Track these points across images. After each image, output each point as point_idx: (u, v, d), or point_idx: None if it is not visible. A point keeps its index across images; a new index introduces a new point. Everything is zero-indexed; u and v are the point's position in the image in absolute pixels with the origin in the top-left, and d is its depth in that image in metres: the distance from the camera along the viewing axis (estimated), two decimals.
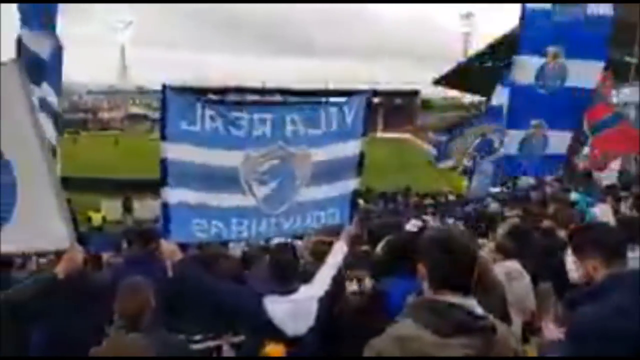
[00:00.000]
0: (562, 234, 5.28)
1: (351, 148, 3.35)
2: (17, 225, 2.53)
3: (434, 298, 1.59)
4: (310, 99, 61.37)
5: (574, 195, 9.87)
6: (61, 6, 5.49)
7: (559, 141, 5.83)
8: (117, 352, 2.12)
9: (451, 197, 18.32)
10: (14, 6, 4.91)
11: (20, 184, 2.50)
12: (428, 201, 17.50)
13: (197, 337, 3.69)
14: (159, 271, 3.28)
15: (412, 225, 8.48)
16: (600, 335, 1.84)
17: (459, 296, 1.56)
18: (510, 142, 5.91)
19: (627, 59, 24.89)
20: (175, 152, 2.86)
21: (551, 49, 5.64)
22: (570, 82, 5.74)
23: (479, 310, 1.57)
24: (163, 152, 2.83)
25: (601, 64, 5.93)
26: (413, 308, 1.61)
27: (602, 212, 6.49)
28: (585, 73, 5.67)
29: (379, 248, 4.53)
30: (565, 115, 5.80)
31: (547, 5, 5.59)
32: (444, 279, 1.59)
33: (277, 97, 66.70)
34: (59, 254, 2.86)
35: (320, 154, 3.26)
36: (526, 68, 5.74)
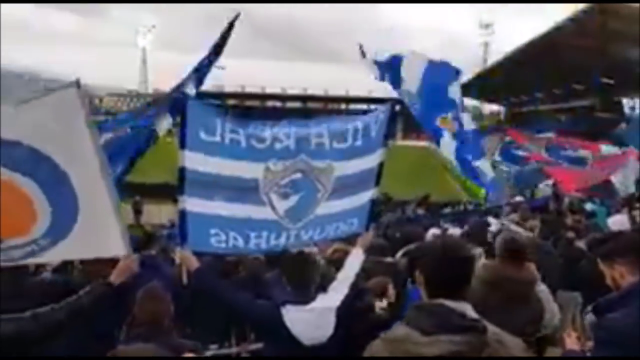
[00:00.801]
0: (580, 244, 5.30)
1: (373, 160, 3.35)
2: (78, 235, 2.61)
3: (430, 302, 1.66)
4: (332, 107, 61.44)
5: (590, 206, 9.77)
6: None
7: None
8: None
9: (470, 207, 18.15)
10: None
11: (81, 194, 2.58)
12: (447, 210, 17.39)
13: (214, 346, 3.72)
14: (170, 277, 3.29)
15: (431, 235, 8.51)
16: (630, 341, 1.87)
17: (452, 301, 1.62)
18: None
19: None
20: (194, 161, 2.84)
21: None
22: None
23: (472, 314, 1.62)
24: (181, 161, 2.82)
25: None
26: (410, 312, 1.67)
27: (618, 222, 6.45)
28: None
29: (398, 257, 4.58)
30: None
31: None
32: (439, 285, 1.65)
33: (297, 104, 67.05)
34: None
35: (343, 168, 3.24)
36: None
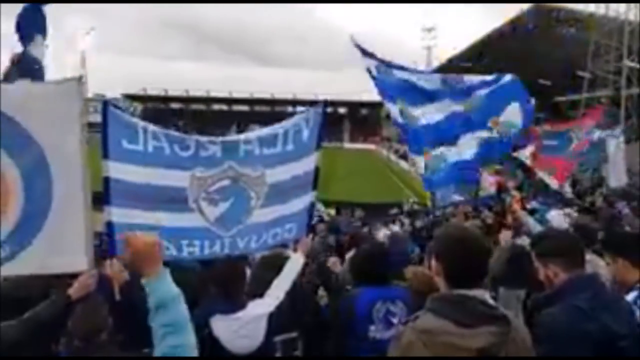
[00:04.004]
0: (526, 241, 5.42)
1: (307, 164, 3.33)
2: (43, 243, 2.44)
3: (451, 292, 1.63)
4: (279, 110, 61.46)
5: (533, 204, 10.18)
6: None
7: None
8: None
9: (416, 207, 18.57)
10: None
11: (55, 206, 2.44)
12: (394, 211, 17.70)
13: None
14: (106, 292, 3.18)
15: (383, 235, 8.50)
16: (567, 335, 1.91)
17: (475, 289, 1.61)
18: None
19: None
20: (118, 170, 2.76)
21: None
22: None
23: (491, 301, 1.63)
24: (105, 171, 2.73)
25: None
26: (432, 303, 1.64)
27: (555, 219, 6.72)
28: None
29: (347, 258, 4.58)
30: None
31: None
32: (460, 274, 1.63)
33: (244, 107, 66.58)
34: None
35: (276, 175, 3.23)
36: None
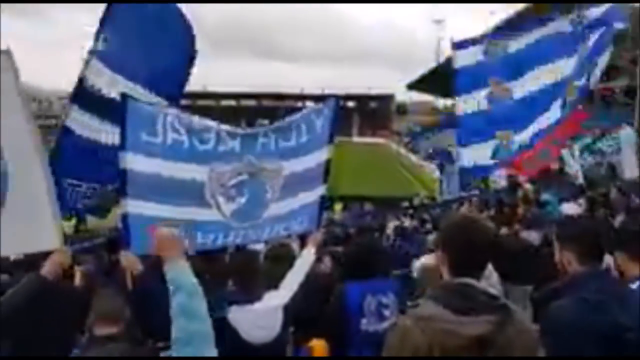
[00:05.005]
0: (532, 235, 5.40)
1: (319, 156, 3.36)
2: (6, 224, 2.38)
3: (452, 281, 1.63)
4: (287, 105, 61.35)
5: (545, 196, 10.11)
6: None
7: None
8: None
9: (426, 201, 18.53)
10: None
11: (13, 183, 2.37)
12: (405, 204, 17.69)
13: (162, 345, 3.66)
14: (120, 283, 3.23)
15: (392, 227, 8.47)
16: (574, 328, 1.90)
17: (476, 279, 1.61)
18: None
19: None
20: (135, 163, 2.78)
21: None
22: None
23: (494, 291, 1.62)
24: (122, 163, 2.75)
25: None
26: (434, 291, 1.64)
27: (569, 211, 6.66)
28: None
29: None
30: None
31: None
32: (462, 263, 1.63)
33: (252, 102, 66.60)
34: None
35: (291, 167, 3.25)
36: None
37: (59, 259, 2.59)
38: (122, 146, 2.75)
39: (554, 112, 5.10)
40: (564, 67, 5.14)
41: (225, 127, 3.06)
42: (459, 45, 5.38)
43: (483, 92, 5.24)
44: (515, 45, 5.29)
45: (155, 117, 2.85)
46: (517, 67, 5.24)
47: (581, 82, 5.16)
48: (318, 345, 2.83)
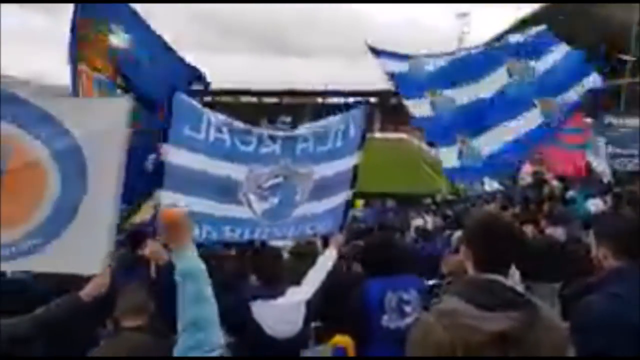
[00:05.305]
0: (558, 232, 5.30)
1: (350, 161, 3.42)
2: (61, 245, 2.52)
3: (477, 276, 1.63)
4: (309, 101, 61.48)
5: (571, 193, 9.92)
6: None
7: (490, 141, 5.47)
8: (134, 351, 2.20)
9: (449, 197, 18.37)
10: None
11: (85, 206, 2.53)
12: (427, 201, 17.59)
13: None
14: (143, 275, 3.27)
15: (415, 226, 8.42)
16: (604, 324, 1.87)
17: (502, 275, 1.60)
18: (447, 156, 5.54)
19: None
20: (175, 155, 2.85)
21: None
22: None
23: (520, 288, 1.61)
24: (163, 155, 2.83)
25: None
26: (457, 286, 1.64)
27: (595, 207, 6.53)
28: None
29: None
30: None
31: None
32: (488, 259, 1.63)
33: (273, 99, 66.85)
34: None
35: (322, 171, 3.31)
36: None
37: (102, 282, 2.63)
38: (164, 139, 2.82)
39: (529, 122, 4.98)
40: (500, 77, 5.04)
41: (267, 130, 3.16)
42: (378, 53, 5.04)
43: (425, 100, 5.10)
44: (440, 61, 5.12)
45: (201, 114, 2.92)
46: (451, 77, 5.06)
47: (563, 100, 5.01)
48: (345, 342, 2.83)
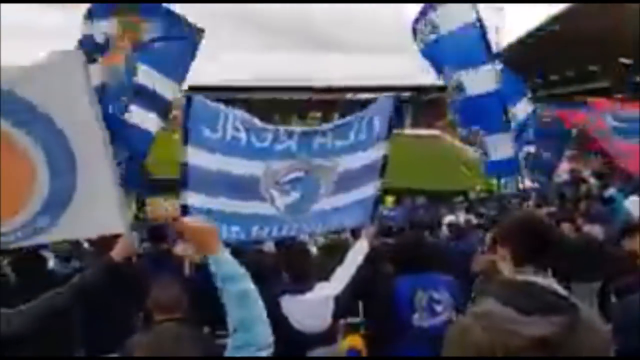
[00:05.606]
0: (596, 230, 5.14)
1: (376, 152, 3.38)
2: (74, 212, 2.54)
3: (515, 278, 1.60)
4: (338, 97, 61.38)
5: (610, 192, 9.58)
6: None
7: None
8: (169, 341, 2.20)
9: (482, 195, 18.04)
10: None
11: (80, 170, 2.52)
12: (459, 199, 17.35)
13: (222, 332, 3.76)
14: (175, 271, 3.34)
15: (447, 223, 8.33)
16: None
17: (542, 277, 1.57)
18: None
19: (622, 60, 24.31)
20: (197, 157, 2.91)
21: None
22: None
23: (562, 291, 1.57)
24: (184, 156, 2.89)
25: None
26: (494, 288, 1.61)
27: (633, 205, 6.31)
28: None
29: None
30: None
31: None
32: (525, 259, 1.59)
33: (305, 95, 67.03)
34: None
35: (346, 163, 3.29)
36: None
37: (128, 241, 2.70)
38: (184, 141, 2.88)
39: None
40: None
41: (283, 126, 3.18)
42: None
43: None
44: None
45: (217, 113, 2.96)
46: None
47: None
48: (358, 343, 2.83)
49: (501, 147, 5.26)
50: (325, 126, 3.33)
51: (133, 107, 4.30)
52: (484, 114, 5.20)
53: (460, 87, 5.18)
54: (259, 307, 1.66)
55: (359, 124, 3.31)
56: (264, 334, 1.62)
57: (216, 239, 1.69)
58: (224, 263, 1.67)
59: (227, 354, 1.60)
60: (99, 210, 2.57)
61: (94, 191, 2.54)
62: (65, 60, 2.48)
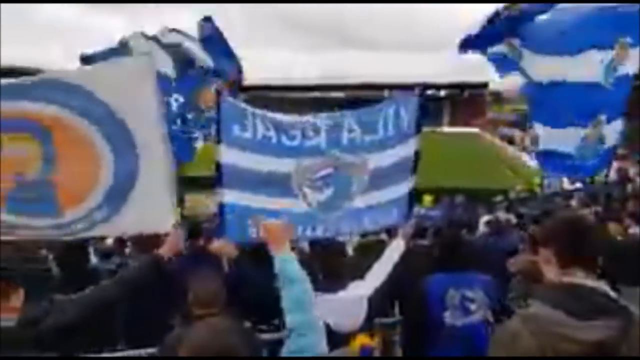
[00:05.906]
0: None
1: (406, 149, 3.36)
2: (131, 208, 2.68)
3: (562, 280, 1.55)
4: (371, 95, 60.99)
5: None
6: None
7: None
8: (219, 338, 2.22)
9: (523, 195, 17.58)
10: None
11: (143, 155, 2.66)
12: (499, 198, 16.96)
13: (264, 327, 3.80)
14: (214, 267, 3.39)
15: (484, 222, 8.17)
16: None
17: (590, 279, 1.52)
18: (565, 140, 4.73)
19: None
20: (230, 156, 2.98)
21: None
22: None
23: (612, 293, 1.52)
24: (218, 155, 2.97)
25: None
26: (541, 292, 1.57)
27: None
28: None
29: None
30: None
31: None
32: (572, 260, 1.55)
33: (339, 94, 66.90)
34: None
35: (377, 160, 3.28)
36: None
37: (175, 240, 2.74)
38: (218, 140, 2.97)
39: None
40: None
41: (308, 121, 3.18)
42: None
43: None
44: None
45: (246, 114, 3.02)
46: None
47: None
48: (370, 342, 2.80)
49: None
50: (350, 119, 3.26)
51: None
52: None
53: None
54: (314, 316, 1.68)
55: (385, 117, 3.28)
56: (319, 344, 1.63)
57: (285, 238, 1.80)
58: (289, 263, 1.71)
59: (282, 354, 1.62)
60: (154, 208, 2.70)
61: (151, 190, 2.68)
62: (136, 63, 2.73)
